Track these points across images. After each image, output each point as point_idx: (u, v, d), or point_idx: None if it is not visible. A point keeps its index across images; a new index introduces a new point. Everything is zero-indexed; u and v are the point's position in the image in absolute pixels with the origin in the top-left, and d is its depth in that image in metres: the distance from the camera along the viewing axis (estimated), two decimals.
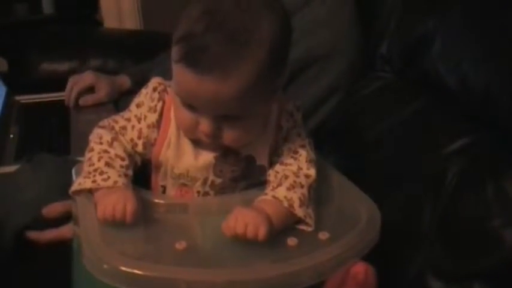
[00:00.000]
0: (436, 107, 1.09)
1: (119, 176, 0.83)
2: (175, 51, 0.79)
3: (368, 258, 0.80)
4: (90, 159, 0.85)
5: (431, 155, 1.02)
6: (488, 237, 0.90)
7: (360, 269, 0.78)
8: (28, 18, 2.63)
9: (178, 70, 0.79)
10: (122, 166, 0.84)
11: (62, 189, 0.88)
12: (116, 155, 0.85)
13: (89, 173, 0.83)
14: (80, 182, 0.83)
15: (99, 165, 0.83)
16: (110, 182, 0.82)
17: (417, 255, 0.96)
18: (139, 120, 0.88)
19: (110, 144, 0.86)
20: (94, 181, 0.82)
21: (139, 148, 0.87)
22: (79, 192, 0.84)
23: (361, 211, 0.86)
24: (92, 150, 0.86)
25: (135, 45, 1.92)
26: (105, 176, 0.82)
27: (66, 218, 0.96)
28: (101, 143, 0.86)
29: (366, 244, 0.81)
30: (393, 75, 1.24)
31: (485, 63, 1.00)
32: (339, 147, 1.17)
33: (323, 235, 0.81)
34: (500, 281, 0.89)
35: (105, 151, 0.85)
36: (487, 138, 0.98)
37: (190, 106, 0.81)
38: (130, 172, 0.85)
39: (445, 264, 0.94)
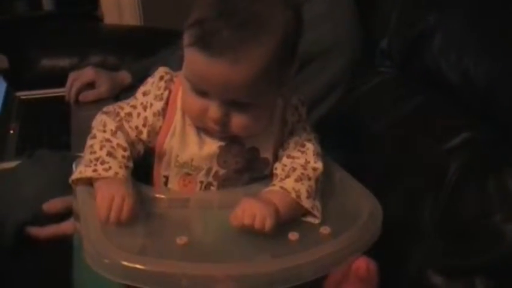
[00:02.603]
0: (437, 102, 1.09)
1: (120, 167, 0.83)
2: (187, 36, 0.80)
3: (369, 253, 0.80)
4: (91, 146, 0.85)
5: (432, 151, 1.02)
6: (489, 233, 0.90)
7: (362, 264, 0.78)
8: (28, 15, 2.62)
9: (190, 54, 0.80)
10: (123, 157, 0.84)
11: (62, 185, 0.88)
12: (118, 145, 0.85)
13: (90, 161, 0.83)
14: (80, 171, 0.83)
15: (101, 154, 0.83)
16: (111, 173, 0.82)
17: (418, 250, 0.96)
18: (145, 108, 0.88)
19: (114, 133, 0.86)
20: (95, 170, 0.82)
21: (144, 136, 0.87)
22: (79, 180, 0.84)
23: (363, 206, 0.86)
24: (95, 137, 0.86)
25: (135, 42, 1.92)
26: (106, 166, 0.82)
27: (66, 213, 0.96)
28: (104, 131, 0.86)
29: (367, 239, 0.81)
30: (394, 70, 1.24)
31: (486, 58, 1.00)
32: (339, 142, 1.17)
33: (324, 230, 0.81)
34: (502, 276, 0.89)
35: (108, 140, 0.85)
36: (488, 133, 0.98)
37: (200, 92, 0.82)
38: (131, 164, 0.85)
39: (446, 259, 0.94)
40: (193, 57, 0.80)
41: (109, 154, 0.83)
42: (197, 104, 0.82)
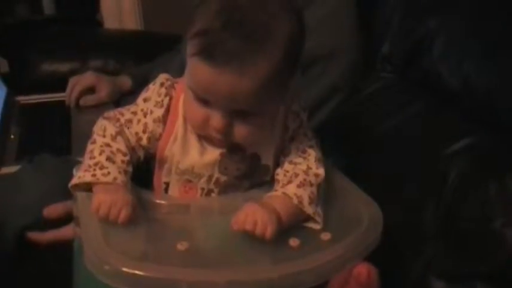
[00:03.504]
0: (437, 107, 1.09)
1: (119, 172, 0.83)
2: (191, 46, 0.79)
3: (370, 259, 0.80)
4: (91, 151, 0.85)
5: (433, 156, 1.02)
6: (490, 238, 0.89)
7: (363, 270, 0.78)
8: (29, 19, 2.62)
9: (194, 64, 0.79)
10: (123, 162, 0.84)
11: (63, 189, 0.88)
12: (118, 150, 0.85)
13: (89, 166, 0.83)
14: (79, 176, 0.83)
15: (100, 159, 0.83)
16: (109, 178, 0.82)
17: (419, 256, 0.96)
18: (145, 114, 0.88)
19: (113, 138, 0.86)
20: (94, 175, 0.82)
21: (144, 142, 0.87)
22: (78, 186, 0.83)
23: (363, 212, 0.86)
24: (94, 142, 0.86)
25: (135, 46, 1.92)
26: (105, 171, 0.82)
27: (67, 218, 0.96)
28: (104, 136, 0.86)
29: (368, 245, 0.81)
30: (394, 75, 1.24)
31: (487, 63, 1.00)
32: (339, 147, 1.17)
33: (325, 236, 0.81)
34: (503, 282, 0.88)
35: (107, 145, 0.85)
36: (489, 139, 0.98)
37: (203, 101, 0.81)
38: (130, 169, 0.85)
39: (448, 264, 0.93)
40: (197, 68, 0.79)
41: (108, 159, 0.83)
42: (199, 113, 0.82)
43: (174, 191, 0.89)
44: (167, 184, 0.89)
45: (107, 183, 0.81)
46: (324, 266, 0.76)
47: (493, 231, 0.89)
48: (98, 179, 0.82)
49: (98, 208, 0.79)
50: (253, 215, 0.78)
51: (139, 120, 0.88)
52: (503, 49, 0.98)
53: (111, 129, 0.86)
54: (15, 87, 1.64)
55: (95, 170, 0.82)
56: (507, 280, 0.88)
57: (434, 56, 1.10)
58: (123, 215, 0.78)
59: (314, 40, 1.21)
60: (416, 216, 0.98)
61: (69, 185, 0.84)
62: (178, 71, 0.90)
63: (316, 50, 1.20)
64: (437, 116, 1.08)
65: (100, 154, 0.84)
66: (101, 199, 0.79)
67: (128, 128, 0.87)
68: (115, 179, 0.82)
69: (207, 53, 0.77)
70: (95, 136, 0.87)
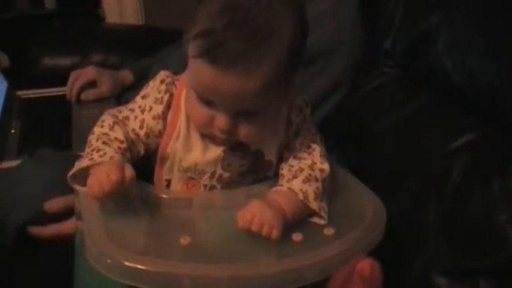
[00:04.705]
0: (440, 102, 1.09)
1: (116, 152, 0.82)
2: (194, 47, 0.77)
3: (373, 254, 0.80)
4: (89, 141, 0.85)
5: (436, 152, 1.02)
6: (493, 234, 0.89)
7: (366, 265, 0.77)
8: (30, 13, 2.63)
9: (197, 66, 0.78)
10: (119, 148, 0.84)
11: (63, 184, 0.87)
12: (116, 138, 0.84)
13: (87, 153, 0.83)
14: (78, 164, 0.82)
15: (97, 145, 0.83)
16: (106, 158, 0.81)
17: (422, 252, 0.96)
18: (143, 111, 0.87)
19: (111, 128, 0.85)
20: (91, 159, 0.81)
21: (142, 137, 0.87)
22: (76, 177, 0.82)
23: (367, 207, 0.86)
24: (93, 133, 0.86)
25: (136, 41, 1.91)
26: (101, 152, 0.81)
27: (68, 212, 0.96)
28: (102, 126, 0.86)
29: (371, 241, 0.81)
30: (397, 70, 1.24)
31: (490, 58, 0.99)
32: (342, 143, 1.17)
33: (328, 231, 0.81)
34: (505, 278, 0.88)
35: (105, 134, 0.85)
36: (492, 135, 0.98)
37: (207, 102, 0.80)
38: (128, 155, 0.84)
39: (450, 261, 0.93)
40: (200, 70, 0.78)
41: (104, 143, 0.83)
42: (203, 114, 0.81)
43: (176, 188, 0.88)
44: (168, 181, 0.89)
45: (103, 162, 0.80)
46: (327, 261, 0.76)
47: (495, 227, 0.89)
48: (94, 160, 0.81)
49: (95, 181, 0.77)
50: (260, 216, 0.76)
51: (136, 117, 0.87)
52: (506, 44, 0.98)
53: (109, 121, 0.86)
54: (16, 82, 1.64)
55: (92, 154, 0.82)
56: (510, 277, 0.88)
57: (437, 52, 1.09)
58: (128, 175, 0.77)
59: (316, 35, 1.20)
60: (419, 212, 0.98)
61: (68, 174, 0.83)
62: (178, 66, 0.89)
63: (317, 46, 1.20)
64: (440, 111, 1.08)
65: (97, 141, 0.84)
66: (96, 172, 0.78)
67: (126, 125, 0.87)
68: (111, 157, 0.81)
69: (211, 55, 0.75)
70: (94, 128, 0.87)
